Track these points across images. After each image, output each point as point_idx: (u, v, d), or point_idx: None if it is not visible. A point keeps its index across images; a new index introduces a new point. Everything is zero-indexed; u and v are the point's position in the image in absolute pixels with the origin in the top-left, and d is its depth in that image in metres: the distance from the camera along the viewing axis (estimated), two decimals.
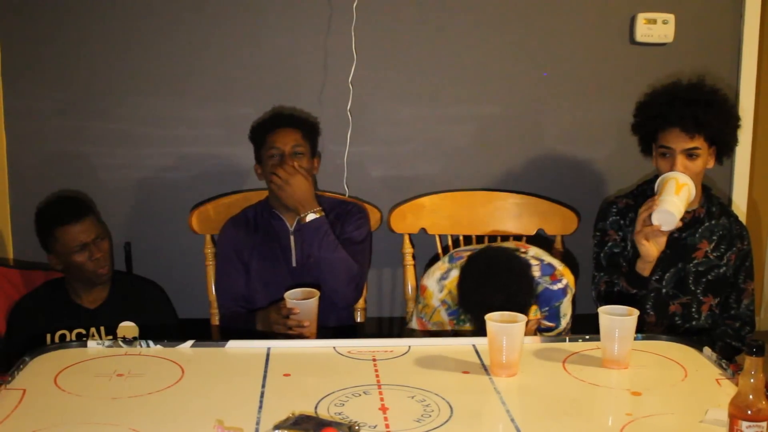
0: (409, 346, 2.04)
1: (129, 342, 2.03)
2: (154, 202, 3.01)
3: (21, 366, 1.89)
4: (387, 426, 1.61)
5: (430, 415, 1.66)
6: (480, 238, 2.82)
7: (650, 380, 1.85)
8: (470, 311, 2.17)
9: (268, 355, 1.99)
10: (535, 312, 2.21)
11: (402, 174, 3.06)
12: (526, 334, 1.95)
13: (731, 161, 3.07)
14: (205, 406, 1.71)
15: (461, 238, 2.90)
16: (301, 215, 2.46)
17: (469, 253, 2.27)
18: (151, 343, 2.03)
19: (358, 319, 2.75)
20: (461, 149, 3.05)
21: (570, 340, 2.07)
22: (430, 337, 2.33)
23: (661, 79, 2.70)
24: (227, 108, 2.93)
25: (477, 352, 2.00)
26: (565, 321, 2.34)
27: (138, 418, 1.64)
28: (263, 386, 1.80)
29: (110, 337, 2.51)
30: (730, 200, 3.12)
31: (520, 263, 2.20)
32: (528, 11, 2.99)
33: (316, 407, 1.68)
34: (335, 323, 2.55)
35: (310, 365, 1.94)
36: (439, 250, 2.82)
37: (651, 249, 2.32)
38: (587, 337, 2.06)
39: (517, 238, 2.74)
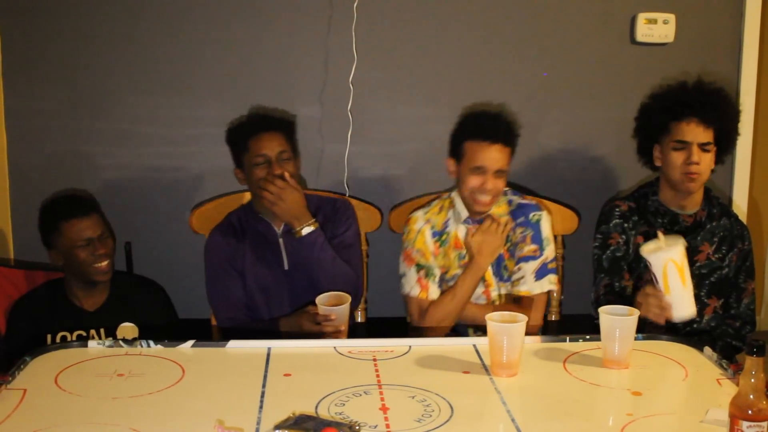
0: (410, 346, 2.04)
1: (129, 342, 2.03)
2: (154, 202, 3.02)
3: (21, 366, 1.89)
4: (387, 426, 1.61)
5: (431, 415, 1.66)
6: None
7: (651, 380, 1.85)
8: (470, 137, 2.43)
9: (268, 355, 1.99)
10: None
11: (402, 174, 3.06)
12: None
13: (731, 161, 3.08)
14: (206, 406, 1.71)
15: None
16: (296, 229, 2.41)
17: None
18: (151, 343, 2.03)
19: (358, 319, 2.75)
20: None
21: (570, 340, 2.07)
22: (430, 337, 2.34)
23: (661, 79, 2.70)
24: (227, 108, 2.93)
25: (477, 352, 2.00)
26: (549, 249, 2.43)
27: (138, 418, 1.64)
28: (264, 386, 1.80)
29: (110, 337, 2.50)
30: (730, 200, 3.12)
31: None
32: (528, 11, 2.99)
33: (316, 407, 1.68)
34: None
35: (311, 365, 1.94)
36: None
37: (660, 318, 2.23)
38: (588, 337, 2.06)
39: None
